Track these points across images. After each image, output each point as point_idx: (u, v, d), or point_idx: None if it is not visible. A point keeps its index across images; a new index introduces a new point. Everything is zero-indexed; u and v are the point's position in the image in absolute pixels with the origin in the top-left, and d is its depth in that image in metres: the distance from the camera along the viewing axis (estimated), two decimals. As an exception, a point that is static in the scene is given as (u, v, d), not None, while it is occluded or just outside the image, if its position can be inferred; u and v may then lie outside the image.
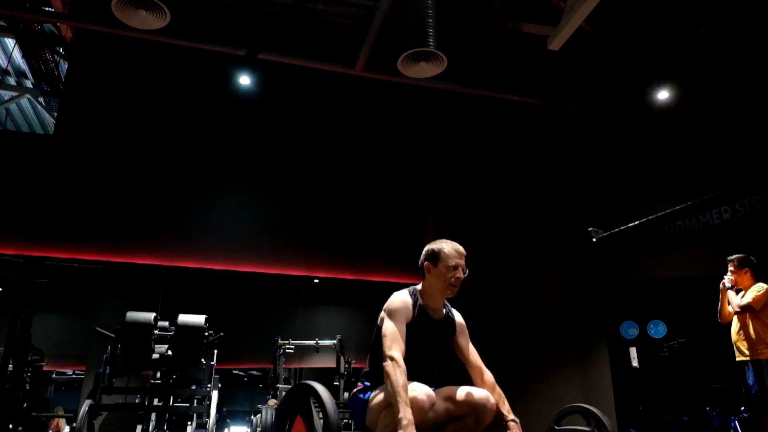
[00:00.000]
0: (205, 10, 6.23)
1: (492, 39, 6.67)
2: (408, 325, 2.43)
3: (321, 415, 2.01)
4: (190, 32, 5.84)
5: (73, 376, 11.22)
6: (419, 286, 2.58)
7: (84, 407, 4.29)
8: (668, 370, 6.59)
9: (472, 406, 2.39)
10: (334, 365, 8.07)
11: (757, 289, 4.55)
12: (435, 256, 2.52)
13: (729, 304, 4.70)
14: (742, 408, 5.73)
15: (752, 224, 4.08)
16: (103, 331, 4.70)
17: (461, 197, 6.72)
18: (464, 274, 2.51)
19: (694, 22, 5.71)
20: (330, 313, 9.14)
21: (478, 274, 6.37)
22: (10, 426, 6.04)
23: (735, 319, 4.68)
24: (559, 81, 6.94)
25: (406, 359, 2.31)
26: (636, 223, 4.92)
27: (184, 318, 4.77)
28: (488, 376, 2.58)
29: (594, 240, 5.28)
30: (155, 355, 4.75)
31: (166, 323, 4.98)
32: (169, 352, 4.75)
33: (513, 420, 2.45)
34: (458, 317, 2.68)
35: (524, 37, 6.47)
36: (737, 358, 4.65)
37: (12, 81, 9.06)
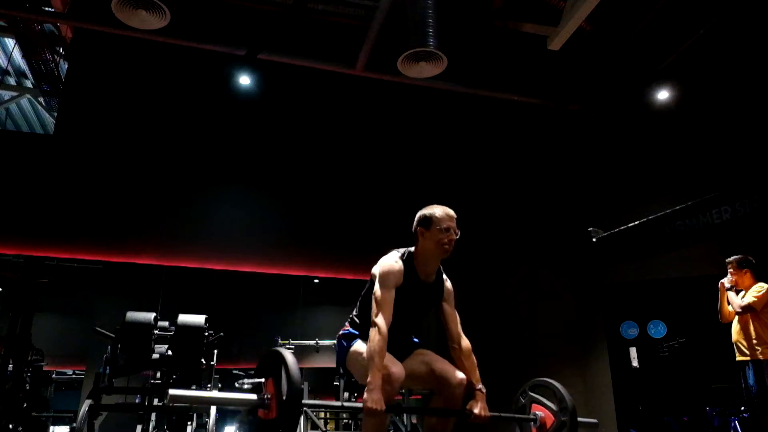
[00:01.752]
0: (205, 10, 6.22)
1: (492, 39, 6.67)
2: (398, 288, 2.54)
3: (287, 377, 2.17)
4: (190, 32, 5.84)
5: (73, 376, 11.20)
6: (412, 249, 2.68)
7: (84, 407, 4.28)
8: (668, 370, 6.59)
9: (440, 380, 2.54)
10: (334, 365, 8.04)
11: (758, 289, 4.55)
12: (427, 221, 2.63)
13: (729, 304, 4.70)
14: (742, 408, 5.73)
15: (752, 224, 4.08)
16: (103, 331, 4.70)
17: (461, 197, 6.72)
18: (456, 235, 2.62)
19: (694, 22, 5.71)
20: (330, 313, 9.12)
21: (478, 274, 6.40)
22: (10, 426, 6.04)
23: (735, 319, 4.69)
24: (559, 81, 6.93)
25: (394, 318, 2.46)
26: (636, 223, 4.92)
27: (184, 318, 4.76)
28: (465, 342, 2.68)
29: (594, 240, 5.29)
30: (155, 355, 4.74)
31: (166, 323, 4.97)
32: (169, 352, 4.74)
33: (480, 390, 2.56)
34: (448, 283, 2.79)
35: (524, 37, 6.46)
36: (737, 358, 4.66)
37: (12, 81, 9.06)
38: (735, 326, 4.70)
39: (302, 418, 6.28)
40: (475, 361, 2.65)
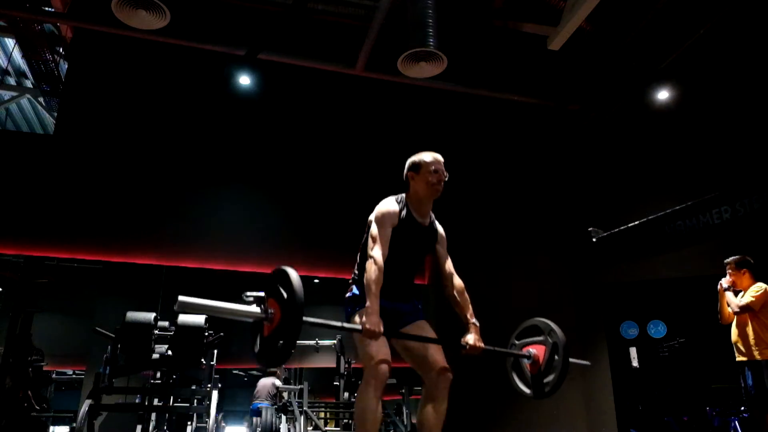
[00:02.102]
0: (205, 10, 6.22)
1: (492, 39, 6.67)
2: (394, 229, 2.63)
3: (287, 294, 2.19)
4: (190, 32, 5.84)
5: (73, 376, 11.22)
6: (404, 195, 2.79)
7: (84, 407, 4.29)
8: (668, 370, 6.60)
9: (423, 364, 2.58)
10: (334, 365, 8.06)
11: (756, 289, 4.54)
12: (416, 165, 2.78)
13: (728, 305, 4.70)
14: (742, 408, 5.73)
15: (752, 224, 4.08)
16: (103, 331, 4.70)
17: (461, 197, 6.72)
18: (445, 177, 2.74)
19: (694, 22, 5.71)
20: (330, 313, 9.12)
21: (478, 274, 6.39)
22: (11, 426, 6.04)
23: (735, 319, 4.68)
24: (559, 81, 6.93)
25: (391, 260, 2.55)
26: (636, 223, 4.92)
27: (184, 318, 4.76)
28: (458, 281, 2.78)
29: (594, 240, 5.29)
30: (155, 355, 4.74)
31: (166, 323, 4.98)
32: (169, 352, 4.74)
33: (473, 323, 2.64)
34: (441, 229, 2.88)
35: (524, 37, 6.46)
36: (737, 358, 4.64)
37: (12, 81, 9.06)
38: (734, 327, 4.69)
39: (302, 418, 6.28)
40: (468, 298, 2.76)
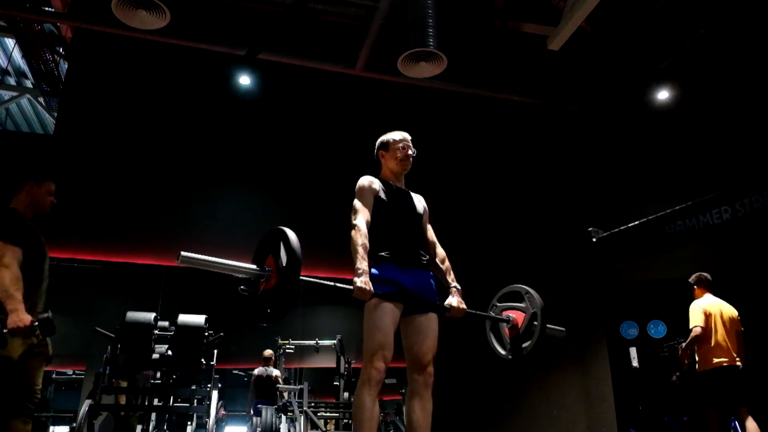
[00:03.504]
0: (205, 10, 6.22)
1: (492, 39, 6.67)
2: (379, 197, 2.74)
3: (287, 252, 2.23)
4: (190, 32, 5.84)
5: (73, 376, 11.21)
6: (379, 174, 2.93)
7: (84, 407, 4.29)
8: (668, 370, 6.59)
9: (413, 360, 2.65)
10: (334, 365, 8.06)
11: (690, 313, 4.90)
12: (385, 144, 2.97)
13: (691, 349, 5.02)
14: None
15: (752, 224, 4.08)
16: (103, 331, 4.70)
17: (461, 197, 6.72)
18: (413, 152, 2.91)
19: (694, 22, 5.71)
20: (330, 313, 9.13)
21: (478, 274, 6.39)
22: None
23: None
24: (559, 81, 6.93)
25: (390, 224, 2.69)
26: (636, 223, 4.92)
27: (184, 318, 4.76)
28: (440, 250, 2.89)
29: (594, 240, 5.28)
30: (155, 355, 4.74)
31: (166, 323, 4.98)
32: (169, 352, 4.74)
33: (455, 287, 2.74)
34: (422, 199, 2.97)
35: (524, 37, 6.46)
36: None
37: (12, 81, 9.06)
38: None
39: (302, 417, 6.28)
40: (449, 265, 2.86)
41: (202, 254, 2.17)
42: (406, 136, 3.00)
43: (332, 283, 2.41)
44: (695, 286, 5.08)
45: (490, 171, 7.00)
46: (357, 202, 2.70)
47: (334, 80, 6.55)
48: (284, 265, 2.20)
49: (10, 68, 8.63)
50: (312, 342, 8.25)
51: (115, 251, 6.05)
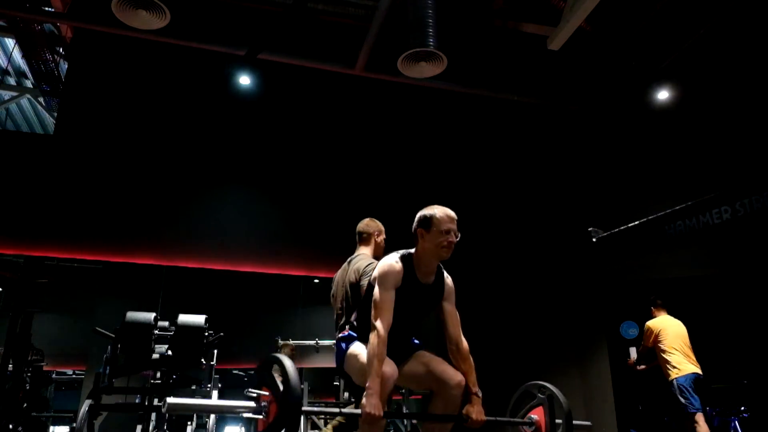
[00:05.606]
0: (205, 10, 6.22)
1: (492, 39, 6.67)
2: (397, 290, 2.52)
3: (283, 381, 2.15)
4: (190, 32, 5.84)
5: (73, 376, 11.19)
6: (413, 251, 2.64)
7: (84, 407, 4.28)
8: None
9: (439, 382, 2.52)
10: (334, 365, 8.04)
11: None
12: (427, 222, 2.58)
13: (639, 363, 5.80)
14: (742, 408, 5.74)
15: (752, 224, 4.08)
16: (103, 331, 4.69)
17: (461, 197, 6.71)
18: (456, 237, 2.57)
19: (694, 22, 5.71)
20: (330, 313, 9.11)
21: (478, 274, 6.39)
22: (10, 426, 6.03)
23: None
24: (559, 81, 6.93)
25: (394, 320, 2.45)
26: (636, 223, 4.92)
27: (184, 318, 4.75)
28: (463, 344, 2.65)
29: (594, 240, 5.29)
30: (155, 355, 4.74)
31: (166, 323, 4.97)
32: (169, 352, 4.74)
33: (476, 394, 2.54)
34: (448, 281, 2.74)
35: (524, 37, 6.46)
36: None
37: (12, 81, 9.05)
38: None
39: (302, 417, 6.27)
40: (472, 363, 2.63)
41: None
42: (453, 215, 2.61)
43: (338, 410, 2.40)
44: (653, 307, 5.78)
45: (490, 171, 7.00)
46: (379, 292, 2.49)
47: (334, 80, 6.55)
48: (284, 403, 2.09)
49: (10, 68, 8.62)
50: (312, 342, 8.24)
51: (115, 251, 6.05)
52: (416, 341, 2.77)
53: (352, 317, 2.78)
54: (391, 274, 2.52)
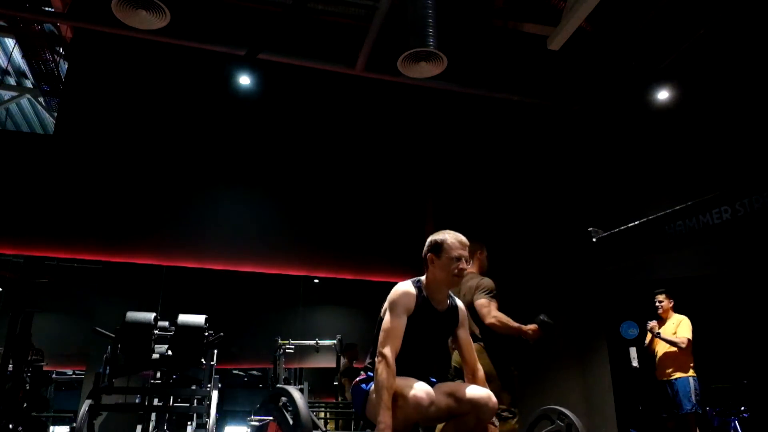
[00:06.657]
0: (205, 10, 6.22)
1: (492, 39, 6.67)
2: (410, 318, 2.41)
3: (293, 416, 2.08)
4: (190, 32, 5.84)
5: (73, 376, 11.20)
6: (423, 278, 2.57)
7: (84, 407, 4.29)
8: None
9: (473, 404, 2.37)
10: (334, 365, 8.06)
11: (686, 325, 5.57)
12: (438, 248, 2.52)
13: (672, 344, 5.56)
14: (742, 408, 5.75)
15: (752, 224, 4.08)
16: (103, 331, 4.70)
17: (461, 197, 6.71)
18: (467, 264, 2.52)
19: (694, 22, 5.71)
20: (330, 313, 9.12)
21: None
22: (10, 426, 6.04)
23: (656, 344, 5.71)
24: (559, 81, 6.93)
25: (407, 351, 2.33)
26: (636, 223, 4.91)
27: (184, 318, 4.76)
28: (480, 373, 2.58)
29: (594, 240, 5.28)
30: (155, 355, 4.74)
31: (166, 323, 4.97)
32: (169, 352, 4.74)
33: (492, 423, 2.53)
34: (461, 307, 2.67)
35: (524, 37, 6.46)
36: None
37: (12, 81, 9.06)
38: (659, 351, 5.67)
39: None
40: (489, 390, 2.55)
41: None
42: (464, 242, 2.55)
43: None
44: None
45: (490, 171, 6.99)
46: (389, 318, 2.37)
47: (334, 80, 6.55)
48: None
49: (10, 68, 8.63)
50: (312, 342, 8.24)
51: (115, 251, 6.05)
52: (433, 379, 2.58)
53: (367, 360, 2.55)
54: (403, 298, 2.43)
